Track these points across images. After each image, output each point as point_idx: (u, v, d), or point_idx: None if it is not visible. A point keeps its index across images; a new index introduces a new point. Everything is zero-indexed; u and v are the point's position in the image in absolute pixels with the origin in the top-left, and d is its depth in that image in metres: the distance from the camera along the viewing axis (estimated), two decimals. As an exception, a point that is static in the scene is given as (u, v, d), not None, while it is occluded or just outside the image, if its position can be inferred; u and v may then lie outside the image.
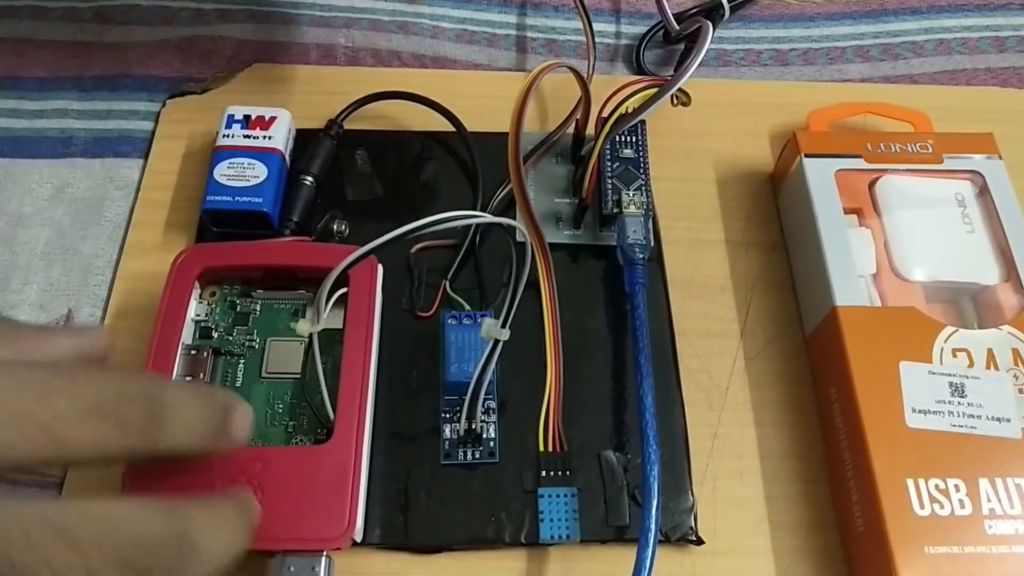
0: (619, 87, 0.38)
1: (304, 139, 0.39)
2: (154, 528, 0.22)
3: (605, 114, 0.37)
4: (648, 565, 0.28)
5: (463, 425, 0.32)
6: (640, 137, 0.38)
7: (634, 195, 0.36)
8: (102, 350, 0.26)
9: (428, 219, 0.26)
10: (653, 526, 0.29)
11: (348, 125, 0.40)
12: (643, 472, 0.30)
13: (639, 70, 0.45)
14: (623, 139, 0.38)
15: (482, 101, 0.40)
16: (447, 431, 0.33)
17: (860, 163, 0.37)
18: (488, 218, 0.28)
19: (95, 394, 0.22)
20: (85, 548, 0.20)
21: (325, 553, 0.29)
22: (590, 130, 0.38)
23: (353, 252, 0.27)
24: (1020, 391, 0.31)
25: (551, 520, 0.31)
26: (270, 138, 0.37)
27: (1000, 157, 0.37)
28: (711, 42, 0.37)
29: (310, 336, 0.31)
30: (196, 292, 0.33)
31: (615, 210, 0.36)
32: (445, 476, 0.32)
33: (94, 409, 0.21)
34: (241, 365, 0.32)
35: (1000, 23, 0.48)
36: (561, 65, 0.35)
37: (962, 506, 0.29)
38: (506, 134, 0.34)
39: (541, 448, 0.32)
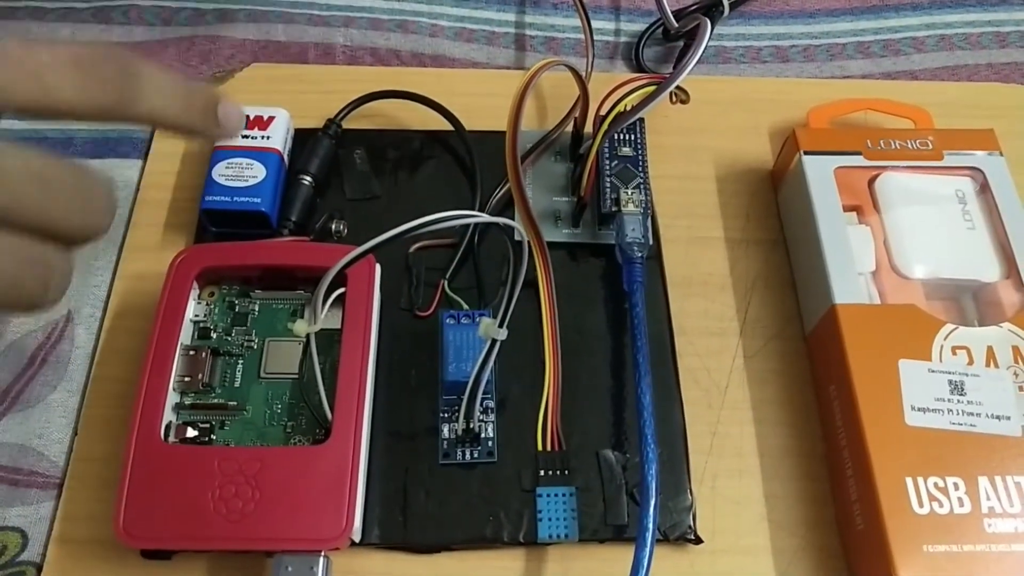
0: (618, 84, 0.38)
1: (302, 138, 0.39)
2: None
3: (603, 112, 0.37)
4: (646, 564, 0.28)
5: (461, 424, 0.32)
6: (639, 135, 0.38)
7: (633, 193, 0.36)
8: None
9: (426, 218, 0.26)
10: (651, 525, 0.29)
11: (346, 124, 0.39)
12: (642, 471, 0.30)
13: (638, 67, 0.45)
14: (622, 137, 0.38)
15: (481, 100, 0.40)
16: (446, 431, 0.33)
17: (860, 160, 0.37)
18: (485, 218, 0.28)
19: (73, 50, 0.24)
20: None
21: (323, 553, 0.29)
22: (588, 128, 0.38)
23: (351, 251, 0.27)
24: (1020, 389, 0.31)
25: (550, 519, 0.31)
26: (268, 138, 0.37)
27: (1001, 153, 0.37)
28: (711, 39, 0.37)
29: (308, 336, 0.31)
30: (195, 292, 0.33)
31: (614, 208, 0.36)
32: (444, 475, 0.32)
33: (73, 61, 0.24)
34: (240, 365, 0.32)
35: (1002, 18, 0.48)
36: (559, 63, 0.35)
37: (961, 504, 0.29)
38: (505, 133, 0.34)
39: (540, 447, 0.32)
